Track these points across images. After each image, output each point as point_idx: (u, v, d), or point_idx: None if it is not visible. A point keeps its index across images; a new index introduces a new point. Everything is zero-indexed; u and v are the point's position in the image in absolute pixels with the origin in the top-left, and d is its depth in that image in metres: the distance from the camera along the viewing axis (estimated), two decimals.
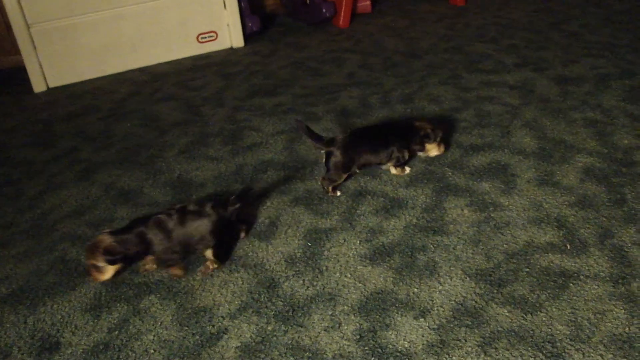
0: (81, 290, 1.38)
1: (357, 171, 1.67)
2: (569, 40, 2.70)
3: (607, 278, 1.30)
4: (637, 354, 1.11)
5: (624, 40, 2.64)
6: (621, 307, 1.22)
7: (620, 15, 3.00)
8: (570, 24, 2.94)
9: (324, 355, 1.16)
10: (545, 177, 1.66)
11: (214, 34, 2.91)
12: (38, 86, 2.59)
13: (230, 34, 2.94)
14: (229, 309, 1.29)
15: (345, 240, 1.46)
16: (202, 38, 2.89)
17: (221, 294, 1.33)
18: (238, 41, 2.96)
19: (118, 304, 1.33)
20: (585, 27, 2.87)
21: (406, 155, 1.67)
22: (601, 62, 2.41)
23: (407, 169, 1.72)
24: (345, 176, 1.63)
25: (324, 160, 1.63)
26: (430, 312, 1.24)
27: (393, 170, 1.70)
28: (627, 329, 1.17)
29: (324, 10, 3.11)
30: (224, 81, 2.51)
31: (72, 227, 1.61)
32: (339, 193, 1.64)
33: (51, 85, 2.61)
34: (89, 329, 1.27)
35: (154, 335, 1.24)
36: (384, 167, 1.71)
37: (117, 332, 1.26)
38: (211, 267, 1.39)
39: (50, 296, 1.37)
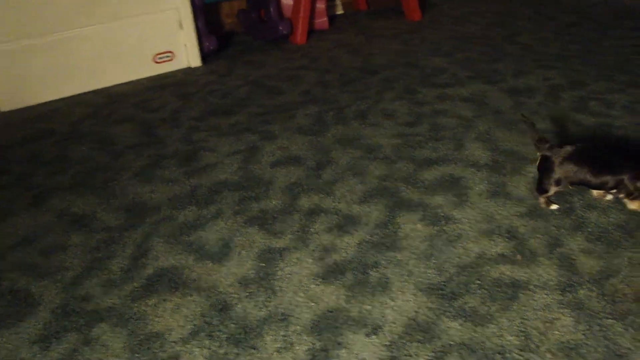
0: (30, 322, 1.35)
1: (570, 187, 1.59)
2: (522, 52, 2.76)
3: (556, 287, 1.32)
4: None
5: (573, 51, 2.71)
6: (568, 315, 1.24)
7: (569, 28, 3.07)
8: (523, 36, 3.00)
9: None
10: (497, 189, 1.69)
11: (171, 54, 2.90)
12: None
13: (188, 54, 2.93)
14: (182, 334, 1.28)
15: (298, 259, 1.46)
16: (159, 58, 2.88)
17: (173, 319, 1.32)
18: (195, 61, 2.95)
19: (68, 334, 1.31)
20: (537, 39, 2.93)
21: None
22: (552, 73, 2.47)
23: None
24: (555, 189, 1.56)
25: (537, 163, 1.59)
26: (382, 328, 1.24)
27: (631, 205, 1.56)
28: (574, 335, 1.19)
29: (280, 28, 3.12)
30: (181, 101, 2.50)
31: (22, 256, 1.58)
32: (554, 206, 1.59)
33: (4, 109, 2.57)
34: None
35: None
36: (596, 193, 1.62)
37: None
38: None
39: None
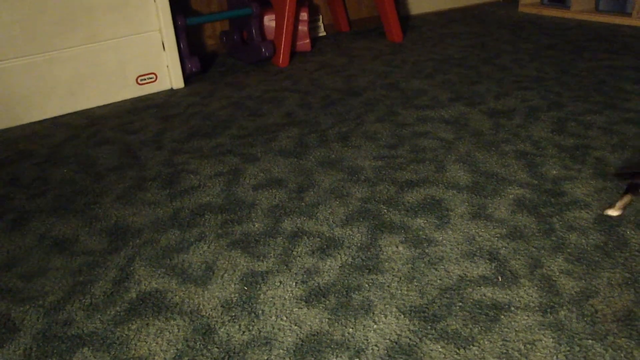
0: (10, 347, 1.33)
1: None
2: (501, 74, 2.81)
3: (537, 308, 1.33)
4: None
5: (551, 73, 2.76)
6: (549, 336, 1.25)
7: (547, 50, 3.13)
8: (502, 58, 3.05)
9: None
10: (478, 211, 1.71)
11: (154, 76, 2.91)
12: None
13: (170, 75, 2.94)
14: (165, 358, 1.27)
15: (281, 282, 1.47)
16: (141, 80, 2.88)
17: (156, 343, 1.31)
18: (178, 82, 2.96)
19: None
20: (515, 61, 2.98)
21: None
22: (530, 95, 2.51)
23: None
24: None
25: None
26: (365, 351, 1.24)
27: None
28: (555, 357, 1.20)
29: (263, 50, 3.15)
30: (163, 123, 2.51)
31: (2, 281, 1.56)
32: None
33: None
34: None
35: None
36: None
37: None
38: None
39: None
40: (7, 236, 1.76)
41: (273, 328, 1.33)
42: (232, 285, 1.47)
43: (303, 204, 1.80)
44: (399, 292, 1.41)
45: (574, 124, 2.20)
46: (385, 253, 1.55)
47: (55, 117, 2.68)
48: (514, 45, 3.25)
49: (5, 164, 2.24)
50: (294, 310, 1.38)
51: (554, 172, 1.88)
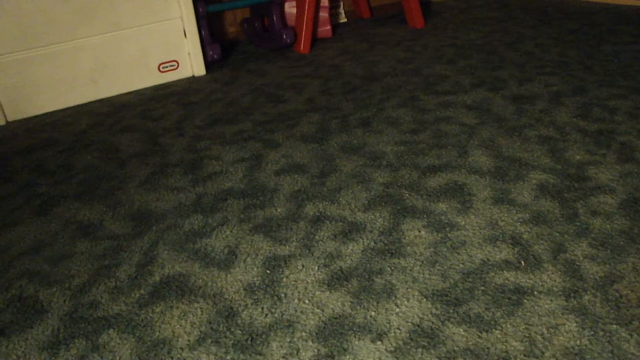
0: (39, 328, 1.36)
1: None
2: (524, 59, 2.77)
3: (560, 292, 1.33)
4: None
5: (575, 58, 2.72)
6: (573, 321, 1.25)
7: (570, 34, 3.09)
8: (524, 43, 3.02)
9: None
10: (500, 196, 1.70)
11: (176, 63, 2.92)
12: None
13: (192, 63, 2.95)
14: (188, 340, 1.29)
15: (303, 266, 1.47)
16: (163, 67, 2.90)
17: (180, 325, 1.33)
18: (199, 69, 2.97)
19: (76, 340, 1.32)
20: (539, 46, 2.95)
21: None
22: (554, 80, 2.48)
23: None
24: None
25: None
26: (387, 334, 1.25)
27: None
28: (578, 341, 1.20)
29: (284, 37, 3.14)
30: (185, 110, 2.52)
31: (29, 264, 1.59)
32: None
33: (10, 119, 2.59)
34: None
35: None
36: None
37: None
38: None
39: (6, 335, 1.35)
40: (34, 221, 1.79)
41: (295, 311, 1.34)
42: (255, 269, 1.48)
43: (325, 188, 1.80)
44: (421, 276, 1.41)
45: (598, 109, 2.17)
46: (407, 237, 1.55)
47: (78, 105, 2.70)
48: (537, 30, 3.21)
49: (31, 152, 2.27)
50: (317, 293, 1.38)
51: (578, 157, 1.86)
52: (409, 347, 1.22)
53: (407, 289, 1.37)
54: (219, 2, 3.27)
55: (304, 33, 3.18)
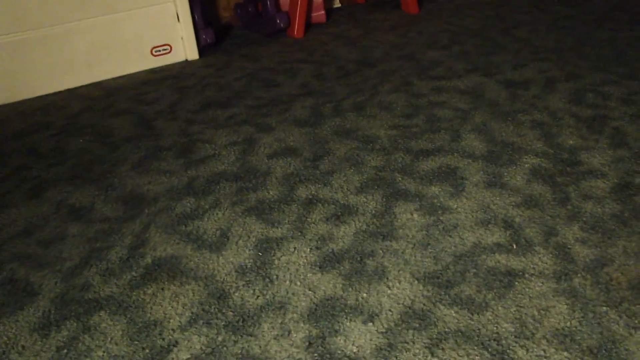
0: (29, 310, 1.36)
1: None
2: (518, 45, 2.77)
3: (551, 275, 1.33)
4: (577, 347, 1.15)
5: (569, 44, 2.72)
6: (563, 303, 1.25)
7: (565, 21, 3.08)
8: (519, 29, 3.01)
9: None
10: (493, 179, 1.70)
11: (169, 47, 2.90)
12: None
13: (185, 47, 2.94)
14: (180, 321, 1.29)
15: (295, 248, 1.47)
16: (156, 51, 2.88)
17: (172, 307, 1.33)
18: (192, 54, 2.96)
19: (67, 322, 1.32)
20: (533, 32, 2.94)
21: None
22: (548, 66, 2.48)
23: None
24: None
25: None
26: (378, 316, 1.25)
27: None
28: (568, 323, 1.20)
29: (278, 21, 3.13)
30: (178, 94, 2.51)
31: (21, 247, 1.59)
32: None
33: (2, 102, 2.57)
34: (37, 349, 1.25)
35: (104, 352, 1.23)
36: None
37: (66, 351, 1.24)
38: None
39: None
40: (26, 204, 1.78)
41: (287, 293, 1.34)
42: (247, 251, 1.48)
43: (318, 172, 1.80)
44: (413, 258, 1.41)
45: (591, 95, 2.17)
46: (399, 220, 1.55)
47: (71, 89, 2.69)
48: (532, 16, 3.20)
49: (23, 135, 2.26)
50: (308, 275, 1.39)
51: (571, 141, 1.86)
52: (400, 328, 1.22)
53: (398, 271, 1.38)
54: None
55: (297, 17, 3.16)
